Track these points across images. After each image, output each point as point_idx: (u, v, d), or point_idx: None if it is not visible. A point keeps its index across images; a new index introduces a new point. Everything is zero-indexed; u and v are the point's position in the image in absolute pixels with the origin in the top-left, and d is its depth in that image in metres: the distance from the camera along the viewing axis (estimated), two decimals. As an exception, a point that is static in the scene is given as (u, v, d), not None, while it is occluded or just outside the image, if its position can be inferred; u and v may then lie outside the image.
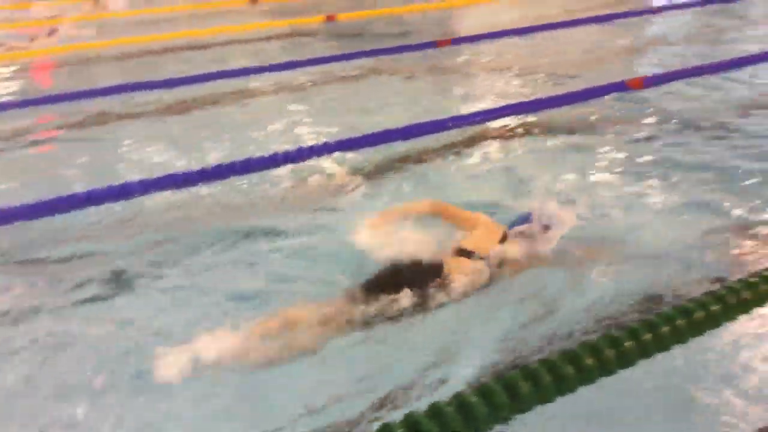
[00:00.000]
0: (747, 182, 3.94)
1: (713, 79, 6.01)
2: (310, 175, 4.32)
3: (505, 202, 3.74)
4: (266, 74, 6.83)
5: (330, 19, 9.62)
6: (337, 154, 4.50)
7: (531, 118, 5.22)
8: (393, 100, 6.19)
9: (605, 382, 2.31)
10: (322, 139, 4.75)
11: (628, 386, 2.35)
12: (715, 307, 2.54)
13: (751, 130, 4.78)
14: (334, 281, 2.97)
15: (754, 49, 6.94)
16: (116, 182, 4.03)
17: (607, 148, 4.60)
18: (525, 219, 3.21)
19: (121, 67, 7.93)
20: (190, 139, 5.13)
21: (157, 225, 3.74)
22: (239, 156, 4.42)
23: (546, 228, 3.14)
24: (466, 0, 11.42)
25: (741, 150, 4.42)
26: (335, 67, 7.12)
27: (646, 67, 6.98)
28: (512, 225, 3.20)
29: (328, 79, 6.87)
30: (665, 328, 2.43)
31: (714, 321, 2.53)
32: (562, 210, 3.25)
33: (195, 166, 4.32)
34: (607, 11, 9.55)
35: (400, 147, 4.70)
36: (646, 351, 2.39)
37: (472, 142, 4.86)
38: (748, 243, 3.31)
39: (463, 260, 2.97)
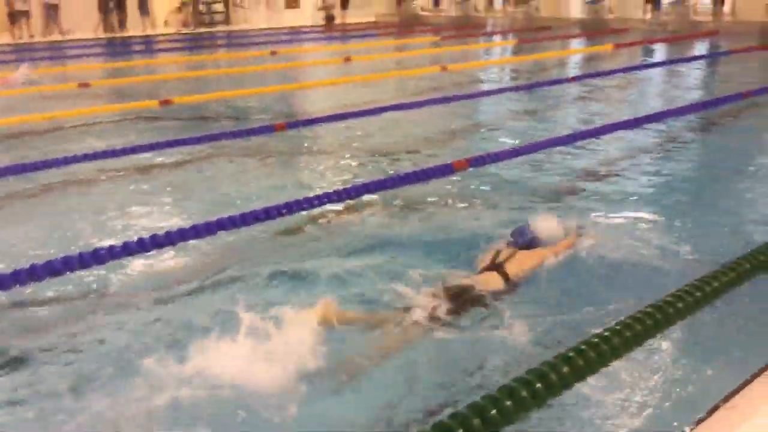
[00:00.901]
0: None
1: (539, 155, 6.48)
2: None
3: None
4: (100, 160, 6.52)
5: (165, 103, 9.42)
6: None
7: (368, 198, 5.33)
8: (227, 186, 6.10)
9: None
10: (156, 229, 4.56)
11: None
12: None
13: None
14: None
15: (567, 130, 7.60)
16: None
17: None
18: (522, 231, 3.93)
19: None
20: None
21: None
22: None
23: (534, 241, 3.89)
24: (305, 83, 11.67)
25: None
26: (169, 153, 6.94)
27: (481, 143, 7.40)
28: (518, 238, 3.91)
29: (161, 164, 6.68)
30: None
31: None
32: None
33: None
34: (442, 94, 10.10)
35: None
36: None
37: (299, 230, 4.87)
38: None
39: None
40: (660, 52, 16.35)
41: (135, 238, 4.30)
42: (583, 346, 2.73)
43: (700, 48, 17.01)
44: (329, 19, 26.07)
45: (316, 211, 5.07)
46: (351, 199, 5.29)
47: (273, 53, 16.35)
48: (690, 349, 3.20)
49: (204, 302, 3.79)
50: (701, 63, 14.61)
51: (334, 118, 8.50)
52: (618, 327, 2.90)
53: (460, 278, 3.63)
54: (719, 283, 3.40)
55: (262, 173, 6.58)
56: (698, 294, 3.26)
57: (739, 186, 5.74)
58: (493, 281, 3.66)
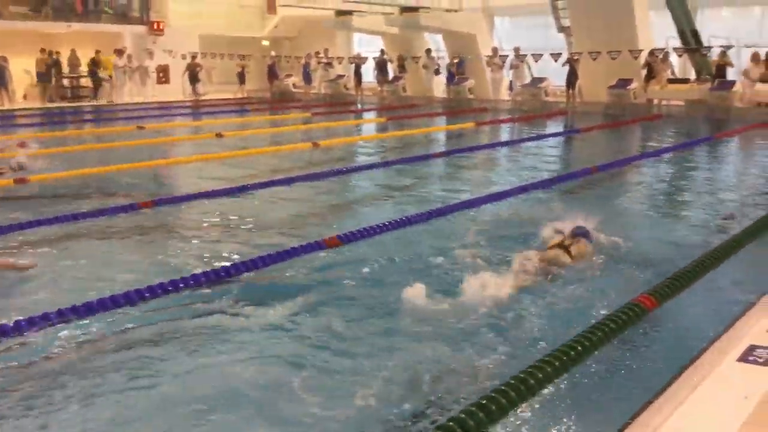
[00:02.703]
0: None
1: (410, 230, 6.64)
2: None
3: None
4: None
5: (20, 181, 8.90)
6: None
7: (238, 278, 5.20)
8: (89, 269, 5.78)
9: None
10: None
11: None
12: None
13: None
14: None
15: (436, 204, 7.86)
16: None
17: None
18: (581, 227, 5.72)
19: None
20: None
21: None
22: None
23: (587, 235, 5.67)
24: (173, 160, 11.43)
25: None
26: (23, 235, 6.52)
27: (352, 219, 7.47)
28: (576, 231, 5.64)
29: (13, 247, 6.24)
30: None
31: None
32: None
33: None
34: (314, 170, 10.20)
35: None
36: None
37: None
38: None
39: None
40: (517, 129, 17.45)
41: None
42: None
43: (553, 126, 18.32)
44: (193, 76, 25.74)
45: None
46: (219, 280, 5.16)
47: (140, 128, 15.97)
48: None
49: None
50: (555, 140, 15.71)
51: (203, 195, 8.35)
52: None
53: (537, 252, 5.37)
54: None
55: (123, 255, 6.28)
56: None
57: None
58: (562, 257, 5.36)
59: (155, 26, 27.90)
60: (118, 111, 21.63)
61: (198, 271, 5.29)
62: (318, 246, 5.80)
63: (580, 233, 5.63)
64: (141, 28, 27.80)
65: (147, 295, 4.67)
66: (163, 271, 5.45)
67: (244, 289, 5.09)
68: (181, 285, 4.92)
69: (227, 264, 5.46)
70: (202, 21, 28.97)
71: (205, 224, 7.37)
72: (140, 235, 6.81)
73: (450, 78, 24.19)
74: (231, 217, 7.58)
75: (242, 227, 7.17)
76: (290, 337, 4.32)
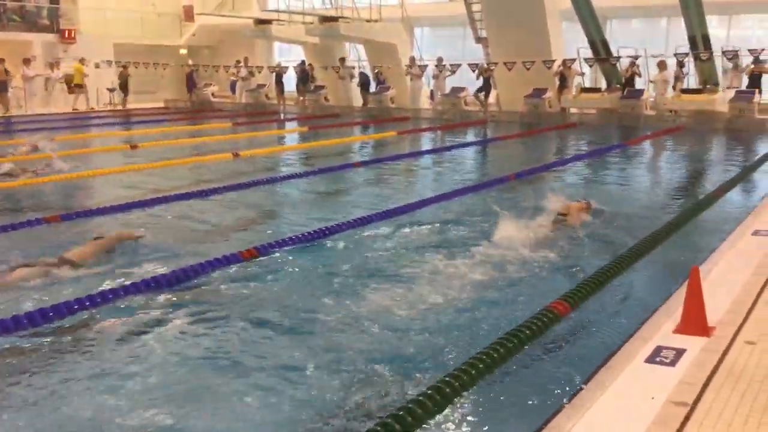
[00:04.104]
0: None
1: (335, 238, 6.61)
2: None
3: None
4: None
5: None
6: None
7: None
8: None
9: None
10: None
11: None
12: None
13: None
14: None
15: (358, 213, 7.83)
16: None
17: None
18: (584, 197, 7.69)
19: None
20: None
21: None
22: None
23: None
24: (84, 173, 10.99)
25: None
26: None
27: (271, 230, 7.35)
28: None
29: None
30: None
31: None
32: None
33: None
34: (236, 181, 10.02)
35: None
36: None
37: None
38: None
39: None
40: (438, 138, 17.68)
41: None
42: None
43: (473, 135, 18.66)
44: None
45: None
46: (133, 294, 4.99)
47: (51, 140, 15.32)
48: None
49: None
50: (475, 148, 16.00)
51: (116, 209, 8.07)
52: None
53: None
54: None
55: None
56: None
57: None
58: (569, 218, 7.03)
59: (66, 34, 26.91)
60: (25, 122, 20.69)
61: (107, 287, 5.09)
62: (234, 258, 5.67)
63: (584, 200, 7.58)
64: (51, 36, 26.76)
65: (51, 314, 4.45)
66: (75, 289, 5.22)
67: (160, 303, 4.93)
68: (89, 303, 4.72)
69: (138, 280, 5.26)
70: (116, 29, 28.14)
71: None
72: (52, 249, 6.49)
73: (365, 86, 24.39)
74: (145, 231, 7.32)
75: (155, 241, 6.92)
76: (203, 349, 4.20)
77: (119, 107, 26.16)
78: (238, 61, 27.83)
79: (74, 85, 24.99)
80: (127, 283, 5.16)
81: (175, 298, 5.06)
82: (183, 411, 3.46)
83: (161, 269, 5.59)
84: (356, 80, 25.03)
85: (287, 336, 4.44)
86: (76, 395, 3.65)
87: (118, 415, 3.40)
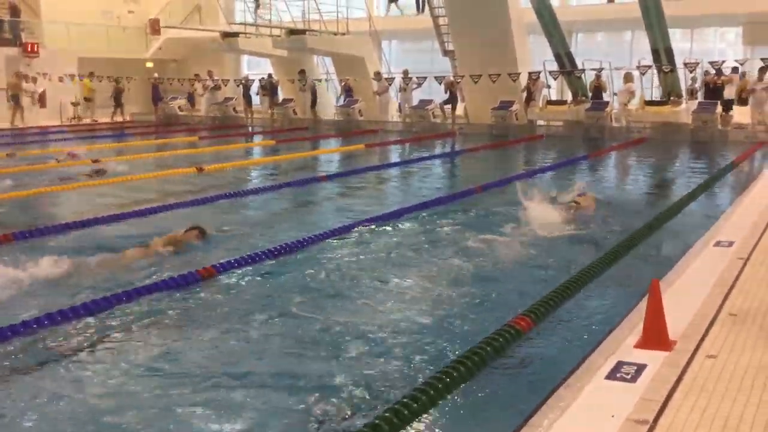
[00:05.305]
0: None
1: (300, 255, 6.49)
2: None
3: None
4: None
5: None
6: None
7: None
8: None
9: None
10: None
11: None
12: None
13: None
14: None
15: (326, 225, 7.73)
16: None
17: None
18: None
19: None
20: None
21: None
22: None
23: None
24: (45, 189, 10.73)
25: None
26: None
27: (234, 247, 7.19)
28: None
29: None
30: None
31: None
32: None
33: None
34: (202, 195, 9.87)
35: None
36: None
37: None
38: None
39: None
40: (407, 151, 17.66)
41: None
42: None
43: (441, 147, 18.67)
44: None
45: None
46: (89, 315, 4.83)
47: (10, 155, 15.00)
48: None
49: None
50: (443, 160, 16.01)
51: (75, 225, 7.87)
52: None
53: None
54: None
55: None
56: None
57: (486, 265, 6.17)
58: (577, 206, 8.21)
59: (29, 48, 26.45)
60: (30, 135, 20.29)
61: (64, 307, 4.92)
62: (193, 278, 5.53)
63: (585, 192, 8.74)
64: (14, 50, 26.28)
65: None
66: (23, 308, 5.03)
67: (118, 322, 4.78)
68: (37, 324, 4.55)
69: (98, 297, 5.10)
70: (81, 43, 27.71)
71: (75, 255, 6.86)
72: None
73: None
74: (102, 248, 7.12)
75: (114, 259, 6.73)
76: (158, 369, 4.06)
77: (86, 120, 25.87)
78: (197, 75, 27.56)
79: (83, 99, 26.24)
80: (76, 304, 4.99)
81: (128, 318, 4.91)
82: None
83: (113, 289, 5.43)
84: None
85: (249, 351, 4.33)
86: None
87: None
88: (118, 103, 26.96)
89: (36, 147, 17.76)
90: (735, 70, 19.34)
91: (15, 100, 24.25)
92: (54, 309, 4.86)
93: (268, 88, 25.61)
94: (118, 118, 26.65)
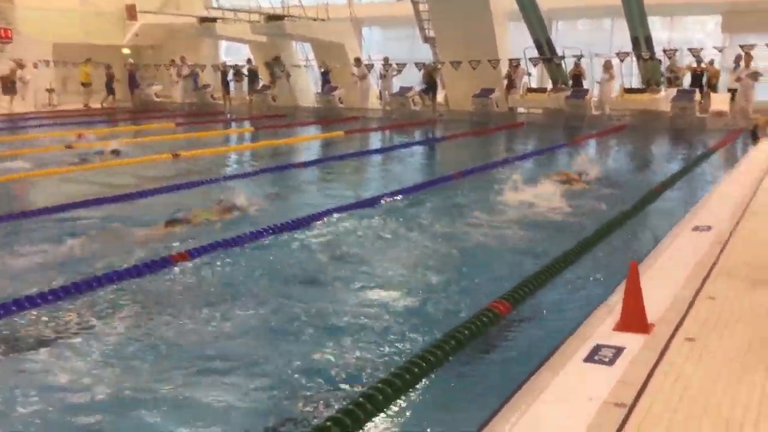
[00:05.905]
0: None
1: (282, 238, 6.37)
2: None
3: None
4: None
5: None
6: None
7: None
8: None
9: None
10: None
11: None
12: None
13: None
14: None
15: (304, 212, 7.62)
16: None
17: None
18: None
19: None
20: None
21: None
22: None
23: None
24: (15, 175, 10.50)
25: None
26: None
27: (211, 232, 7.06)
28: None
29: None
30: None
31: None
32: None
33: None
34: (178, 180, 9.76)
35: None
36: None
37: None
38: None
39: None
40: (387, 138, 17.55)
41: None
42: None
43: (421, 134, 18.58)
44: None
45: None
46: (59, 300, 4.71)
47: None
48: None
49: None
50: (423, 146, 15.92)
51: (48, 211, 7.72)
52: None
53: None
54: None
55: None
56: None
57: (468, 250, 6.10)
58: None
59: (3, 33, 25.92)
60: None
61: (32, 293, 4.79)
62: (165, 262, 5.41)
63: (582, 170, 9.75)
64: (-14, 36, 25.76)
65: None
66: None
67: (85, 306, 4.66)
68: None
69: (77, 280, 4.97)
70: (56, 29, 27.18)
71: (46, 240, 6.69)
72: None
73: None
74: (75, 233, 6.94)
75: (84, 244, 6.57)
76: (126, 356, 3.96)
77: (58, 107, 25.45)
78: (173, 61, 27.18)
79: (81, 84, 26.46)
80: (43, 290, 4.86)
81: (106, 301, 4.79)
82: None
83: (83, 272, 5.30)
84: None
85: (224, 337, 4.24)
86: None
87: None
88: (110, 89, 26.73)
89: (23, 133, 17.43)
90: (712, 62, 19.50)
91: (11, 86, 24.06)
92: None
93: (247, 74, 25.33)
94: (108, 104, 26.37)
